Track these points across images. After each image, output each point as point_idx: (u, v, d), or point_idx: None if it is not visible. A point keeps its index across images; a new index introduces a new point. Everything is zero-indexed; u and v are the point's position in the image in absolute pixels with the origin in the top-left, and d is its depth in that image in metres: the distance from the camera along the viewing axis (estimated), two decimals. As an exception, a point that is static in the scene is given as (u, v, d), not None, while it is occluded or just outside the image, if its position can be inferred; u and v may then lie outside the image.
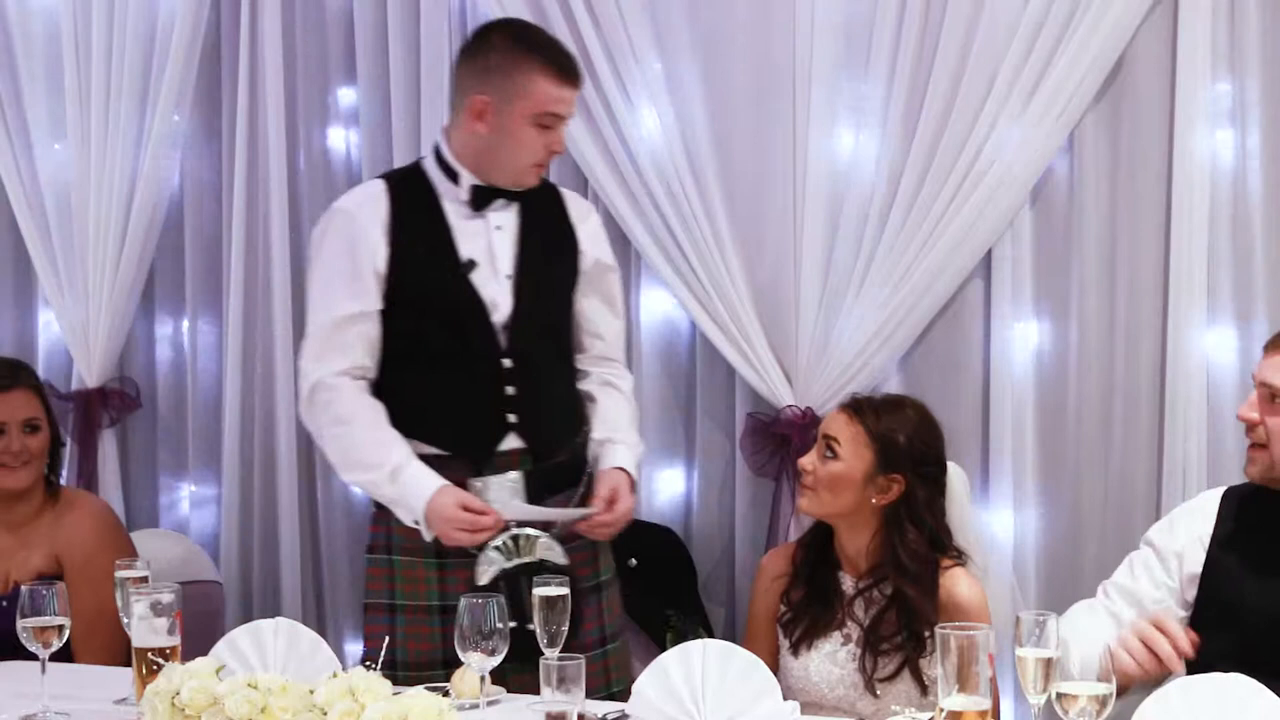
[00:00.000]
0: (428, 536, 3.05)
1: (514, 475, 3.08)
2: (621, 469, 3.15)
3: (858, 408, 3.15)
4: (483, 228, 3.14)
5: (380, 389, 3.14)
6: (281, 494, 4.26)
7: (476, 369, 3.11)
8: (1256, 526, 2.88)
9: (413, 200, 3.15)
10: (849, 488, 3.09)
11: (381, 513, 3.17)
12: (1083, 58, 3.54)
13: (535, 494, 3.09)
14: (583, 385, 3.27)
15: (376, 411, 3.10)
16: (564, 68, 3.09)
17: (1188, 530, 2.91)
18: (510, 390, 3.11)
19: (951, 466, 3.20)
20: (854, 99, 3.73)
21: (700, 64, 3.83)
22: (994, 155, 3.60)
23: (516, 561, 3.05)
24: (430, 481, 3.02)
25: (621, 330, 3.34)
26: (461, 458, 3.09)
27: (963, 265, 3.69)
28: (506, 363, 3.11)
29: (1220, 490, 2.97)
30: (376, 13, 4.16)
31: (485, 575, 3.02)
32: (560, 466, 3.15)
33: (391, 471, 3.03)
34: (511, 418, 3.11)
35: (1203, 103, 3.50)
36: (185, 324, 4.44)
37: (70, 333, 4.41)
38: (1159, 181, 3.57)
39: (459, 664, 2.69)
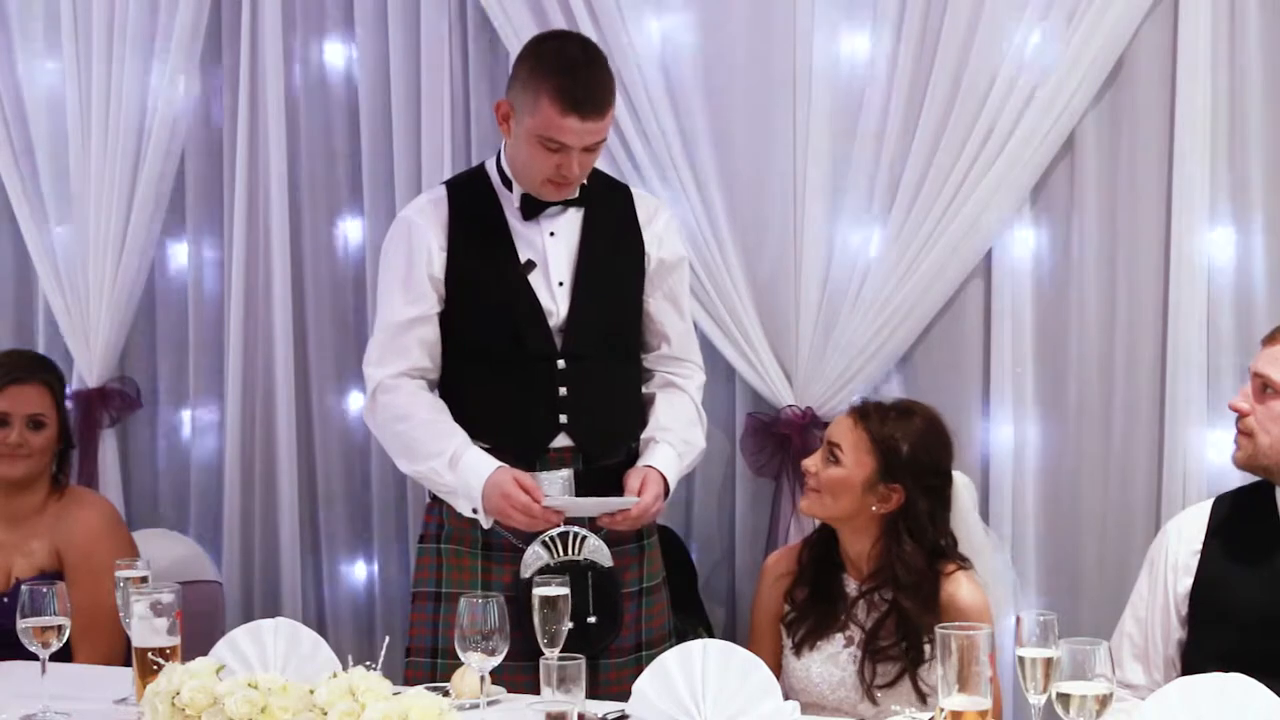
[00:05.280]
0: (486, 524, 3.10)
1: (565, 472, 3.13)
2: (651, 467, 3.16)
3: (864, 413, 3.13)
4: (537, 234, 3.17)
5: (440, 386, 3.22)
6: (282, 493, 4.25)
7: (530, 369, 3.15)
8: (1245, 524, 2.92)
9: (473, 204, 3.19)
10: (848, 493, 3.08)
11: (435, 502, 3.23)
12: (1083, 58, 3.54)
13: (586, 493, 3.12)
14: (647, 386, 3.30)
15: (436, 405, 3.17)
16: (574, 99, 3.01)
17: (1177, 547, 2.97)
18: (563, 391, 3.15)
19: (958, 476, 3.17)
20: (855, 100, 3.73)
21: (702, 68, 3.83)
22: (994, 155, 3.60)
23: (561, 559, 3.09)
24: (488, 462, 3.07)
25: (688, 330, 3.34)
26: (513, 453, 3.11)
27: (963, 265, 3.69)
28: (560, 364, 3.15)
29: (1209, 502, 3.03)
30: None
31: (529, 570, 3.07)
32: (613, 468, 3.18)
33: (450, 458, 3.08)
34: (563, 418, 3.15)
35: (1203, 101, 3.49)
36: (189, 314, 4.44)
37: (70, 333, 4.40)
38: (1159, 180, 3.56)
39: None
